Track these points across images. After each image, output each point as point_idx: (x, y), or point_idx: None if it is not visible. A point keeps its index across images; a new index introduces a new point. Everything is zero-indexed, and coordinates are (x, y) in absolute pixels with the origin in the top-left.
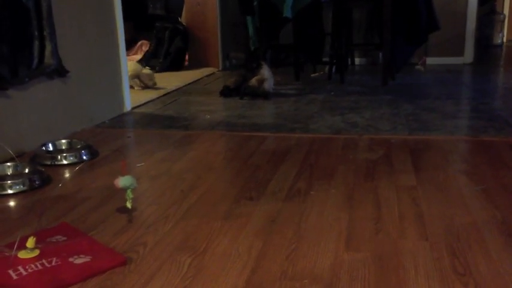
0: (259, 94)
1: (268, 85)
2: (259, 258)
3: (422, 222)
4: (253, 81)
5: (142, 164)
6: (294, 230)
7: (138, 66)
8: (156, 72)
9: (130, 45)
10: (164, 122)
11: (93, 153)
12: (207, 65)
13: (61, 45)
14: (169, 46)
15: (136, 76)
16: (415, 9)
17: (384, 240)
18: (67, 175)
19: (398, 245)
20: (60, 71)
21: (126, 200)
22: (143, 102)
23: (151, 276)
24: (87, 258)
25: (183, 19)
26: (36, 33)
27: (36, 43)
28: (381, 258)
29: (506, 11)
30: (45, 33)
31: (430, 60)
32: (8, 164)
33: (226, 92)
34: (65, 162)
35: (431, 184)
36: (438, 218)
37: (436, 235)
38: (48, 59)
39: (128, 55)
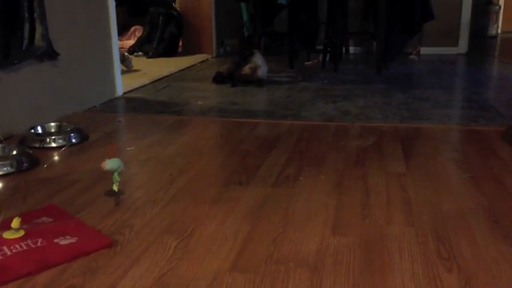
0: (252, 81)
1: (262, 72)
2: (246, 242)
3: (409, 208)
4: (246, 68)
5: (132, 148)
6: (282, 215)
7: None
8: (149, 57)
9: (123, 30)
10: (156, 108)
11: (82, 137)
12: (200, 52)
13: (52, 27)
14: (163, 32)
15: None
16: None
17: (370, 226)
18: (55, 158)
19: (384, 230)
20: (50, 54)
21: (113, 183)
22: (135, 87)
23: (137, 258)
24: (73, 240)
25: (177, 5)
26: (26, 15)
27: (27, 25)
28: (367, 243)
29: (501, 2)
30: (35, 15)
31: (424, 50)
32: None
33: (219, 79)
34: (53, 145)
35: (420, 171)
36: (425, 205)
37: (422, 221)
38: (38, 41)
39: (121, 40)
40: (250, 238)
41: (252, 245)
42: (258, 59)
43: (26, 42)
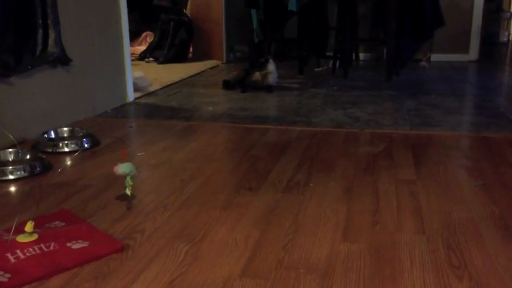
0: (262, 87)
1: (272, 79)
2: (256, 248)
3: (420, 215)
4: (257, 75)
5: (143, 153)
6: (292, 221)
7: None
8: (160, 63)
9: (135, 36)
10: (166, 113)
11: (94, 142)
12: (211, 57)
13: (65, 34)
14: (174, 38)
15: None
16: (420, 5)
17: (380, 232)
18: (68, 162)
19: (395, 237)
20: (63, 60)
21: (125, 187)
22: (146, 92)
23: (148, 263)
24: (85, 244)
25: (188, 11)
26: (40, 21)
27: (40, 31)
28: (377, 250)
29: None
30: (49, 21)
31: (435, 57)
32: (10, 150)
33: (228, 85)
34: (66, 149)
35: (430, 179)
36: (436, 212)
37: (433, 229)
38: (51, 47)
39: (132, 46)
40: (261, 244)
41: (263, 250)
42: (271, 66)
43: (39, 48)
